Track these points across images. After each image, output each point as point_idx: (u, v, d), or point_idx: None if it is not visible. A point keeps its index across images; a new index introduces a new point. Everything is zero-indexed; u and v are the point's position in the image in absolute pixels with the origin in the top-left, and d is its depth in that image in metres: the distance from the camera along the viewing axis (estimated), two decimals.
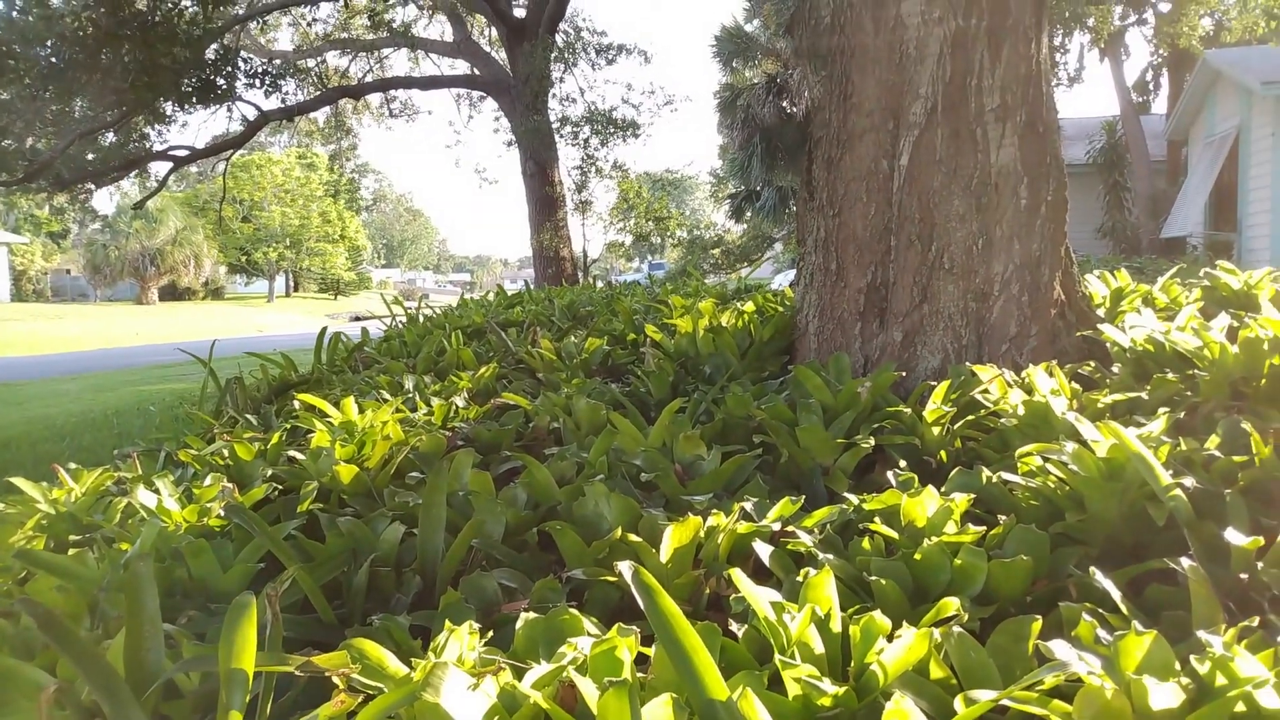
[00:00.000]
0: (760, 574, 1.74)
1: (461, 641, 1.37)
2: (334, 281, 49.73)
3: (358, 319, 24.52)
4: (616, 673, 1.21)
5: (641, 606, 1.20)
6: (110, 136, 12.25)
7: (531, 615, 1.45)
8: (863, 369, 3.20)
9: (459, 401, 3.27)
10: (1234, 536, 1.48)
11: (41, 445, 6.45)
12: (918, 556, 1.63)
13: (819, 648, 1.33)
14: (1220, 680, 1.11)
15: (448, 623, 1.43)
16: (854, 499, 1.96)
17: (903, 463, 2.30)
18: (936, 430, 2.42)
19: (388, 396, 3.42)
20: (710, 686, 1.14)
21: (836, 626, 1.38)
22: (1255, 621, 1.21)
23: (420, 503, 2.02)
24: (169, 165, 14.92)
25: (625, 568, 1.24)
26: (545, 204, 16.98)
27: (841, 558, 1.73)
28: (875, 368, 3.09)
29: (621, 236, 22.67)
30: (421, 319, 6.03)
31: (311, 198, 45.04)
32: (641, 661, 1.35)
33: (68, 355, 19.24)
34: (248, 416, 3.63)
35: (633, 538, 1.77)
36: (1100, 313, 3.40)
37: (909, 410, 2.50)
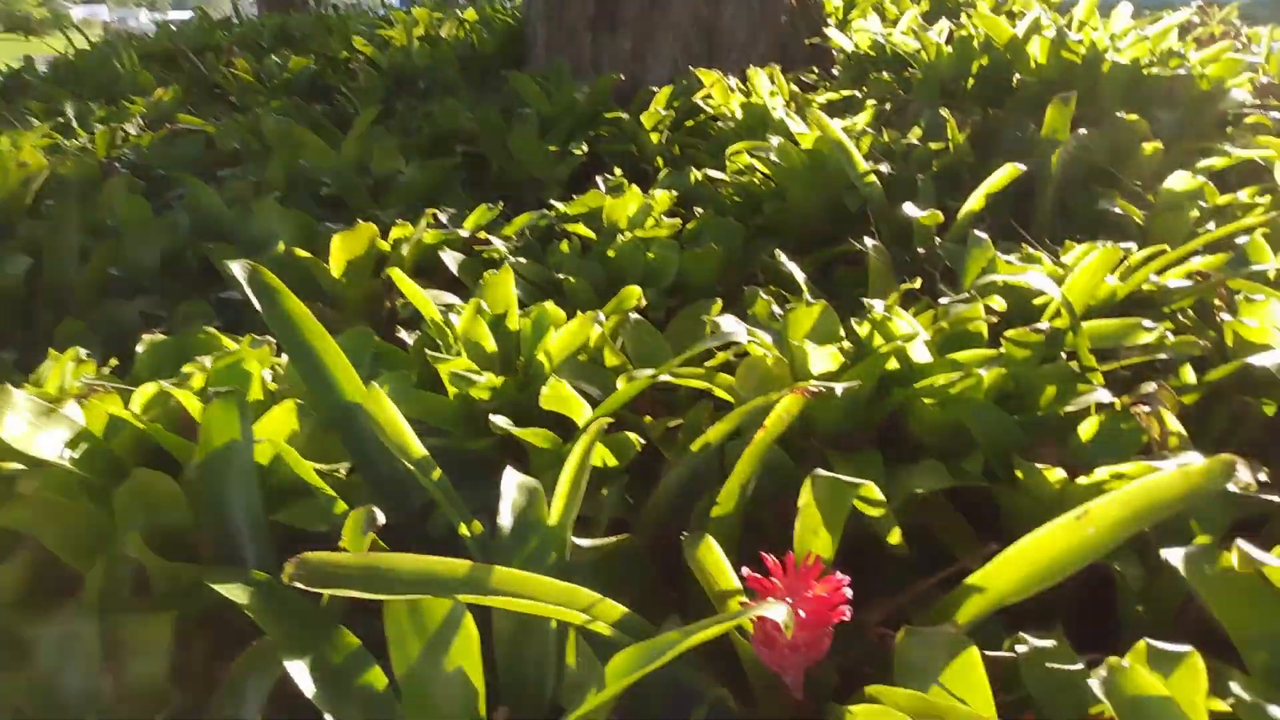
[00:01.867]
0: (456, 287, 1.59)
1: (64, 370, 1.14)
2: (22, 20, 41.93)
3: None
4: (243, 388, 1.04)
5: (261, 313, 1.02)
6: None
7: (160, 337, 1.23)
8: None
9: (130, 129, 2.79)
10: (913, 210, 1.47)
11: None
12: (611, 253, 1.53)
13: (493, 346, 1.22)
14: (879, 340, 1.10)
15: (51, 351, 1.19)
16: (561, 206, 1.82)
17: (618, 170, 2.17)
18: (655, 137, 2.29)
19: (37, 123, 2.85)
20: (346, 390, 1.00)
21: (515, 325, 1.27)
22: (918, 283, 1.20)
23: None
24: None
25: (238, 268, 1.04)
26: None
27: (539, 263, 1.60)
28: None
29: None
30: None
31: None
32: None
33: None
34: None
35: (301, 252, 1.55)
36: (832, 22, 3.32)
37: (628, 117, 2.35)
